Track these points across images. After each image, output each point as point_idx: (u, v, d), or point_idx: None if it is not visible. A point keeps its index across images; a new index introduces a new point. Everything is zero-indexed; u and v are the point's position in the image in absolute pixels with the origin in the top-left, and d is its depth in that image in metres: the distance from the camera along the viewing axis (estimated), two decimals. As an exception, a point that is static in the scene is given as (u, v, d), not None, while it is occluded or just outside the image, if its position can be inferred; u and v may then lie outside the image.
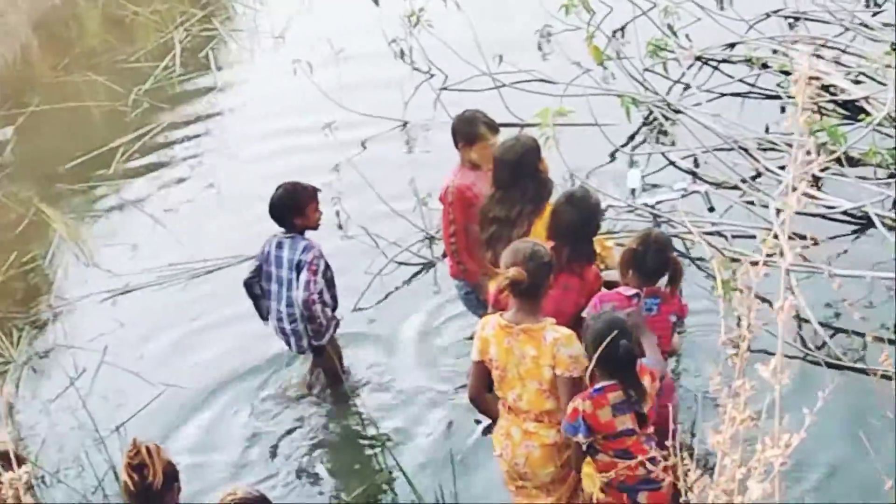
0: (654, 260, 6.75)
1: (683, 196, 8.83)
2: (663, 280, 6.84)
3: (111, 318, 9.87)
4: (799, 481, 7.15)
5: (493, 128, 8.18)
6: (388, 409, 8.57)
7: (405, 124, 12.32)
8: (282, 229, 8.23)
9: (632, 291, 6.77)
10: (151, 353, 9.36)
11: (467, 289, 8.32)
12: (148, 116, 13.21)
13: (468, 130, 8.15)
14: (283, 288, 8.21)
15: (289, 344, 8.43)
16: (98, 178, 12.12)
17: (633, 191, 8.78)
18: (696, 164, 10.66)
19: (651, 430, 6.19)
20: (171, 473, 5.42)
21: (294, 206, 8.16)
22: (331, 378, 8.70)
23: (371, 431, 8.13)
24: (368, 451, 8.16)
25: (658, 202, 8.78)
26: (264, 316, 8.46)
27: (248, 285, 8.37)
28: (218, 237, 10.84)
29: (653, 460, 5.36)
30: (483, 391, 6.59)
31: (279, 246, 8.20)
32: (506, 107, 11.53)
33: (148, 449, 5.32)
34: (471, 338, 6.82)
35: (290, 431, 8.47)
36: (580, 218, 6.97)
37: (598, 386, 6.06)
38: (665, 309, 6.85)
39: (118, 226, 11.45)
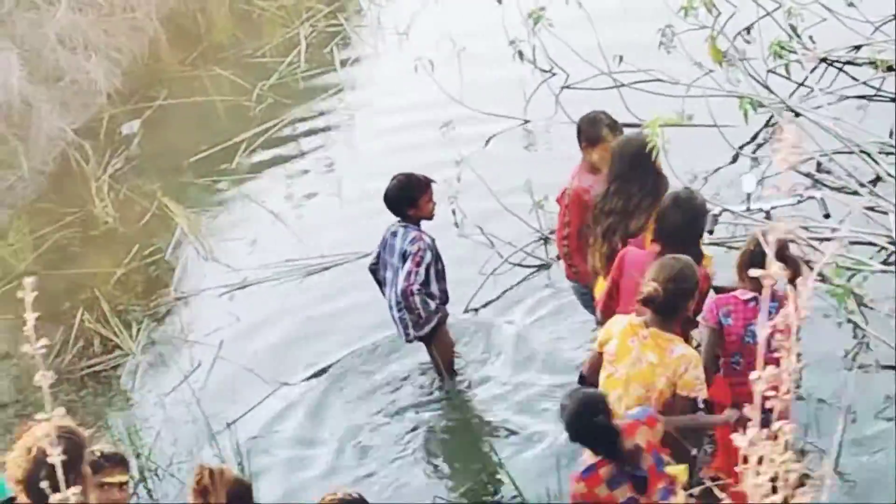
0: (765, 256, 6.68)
1: (799, 202, 8.73)
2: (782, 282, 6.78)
3: (228, 312, 10.08)
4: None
5: (616, 129, 8.24)
6: (497, 405, 8.61)
7: (525, 122, 12.29)
8: (398, 219, 8.46)
9: (749, 295, 6.75)
10: (265, 348, 9.51)
11: (583, 290, 8.34)
12: (272, 112, 13.36)
13: (591, 131, 8.20)
14: (394, 275, 8.44)
15: (399, 334, 8.66)
16: (221, 173, 12.32)
17: (748, 195, 8.68)
18: (819, 169, 10.50)
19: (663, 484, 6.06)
20: (239, 492, 5.50)
21: (407, 197, 8.44)
22: (441, 371, 8.81)
23: (478, 428, 8.17)
24: (473, 449, 8.21)
25: (773, 207, 8.67)
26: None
27: (373, 272, 8.66)
28: (336, 234, 10.97)
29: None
30: (595, 375, 6.60)
31: (394, 234, 8.47)
32: (626, 107, 11.46)
33: (211, 472, 5.37)
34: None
35: (396, 426, 8.54)
36: (685, 219, 7.00)
37: (587, 466, 6.01)
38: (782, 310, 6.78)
39: (239, 220, 11.64)
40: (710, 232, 8.47)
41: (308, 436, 8.53)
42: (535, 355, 9.12)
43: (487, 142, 12.16)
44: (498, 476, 7.86)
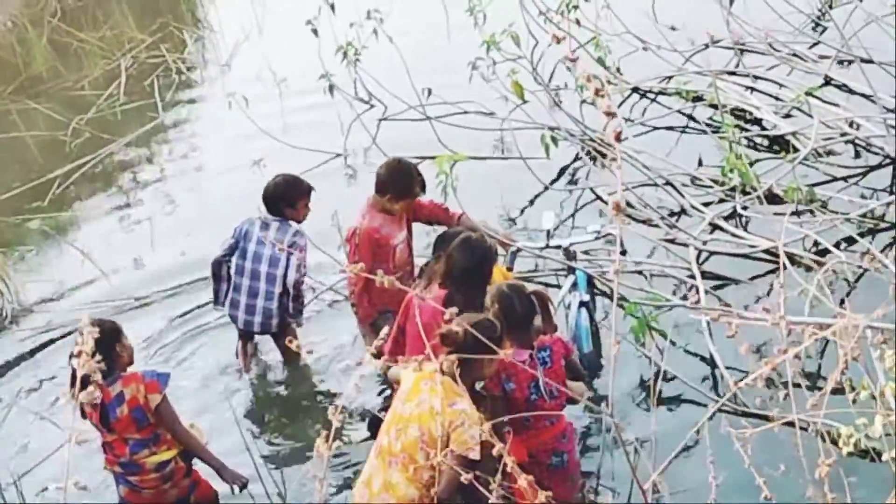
0: (522, 304, 6.73)
1: (597, 238, 8.81)
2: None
3: (31, 358, 9.77)
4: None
5: (424, 186, 8.35)
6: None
7: (339, 156, 12.23)
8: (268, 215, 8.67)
9: (524, 355, 6.71)
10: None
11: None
12: (88, 146, 13.08)
13: (403, 184, 8.25)
14: (265, 265, 8.60)
15: (250, 324, 8.79)
16: (32, 210, 12.00)
17: (547, 232, 8.75)
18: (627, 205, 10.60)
19: None
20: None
21: (288, 197, 8.66)
22: (288, 359, 9.16)
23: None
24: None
25: (571, 244, 8.74)
26: (220, 300, 8.84)
27: (219, 264, 8.76)
28: (145, 273, 10.77)
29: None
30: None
31: (265, 226, 8.63)
32: (439, 139, 11.51)
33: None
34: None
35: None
36: (473, 262, 7.07)
37: None
38: (556, 356, 6.82)
39: (48, 260, 11.33)
40: (510, 269, 8.51)
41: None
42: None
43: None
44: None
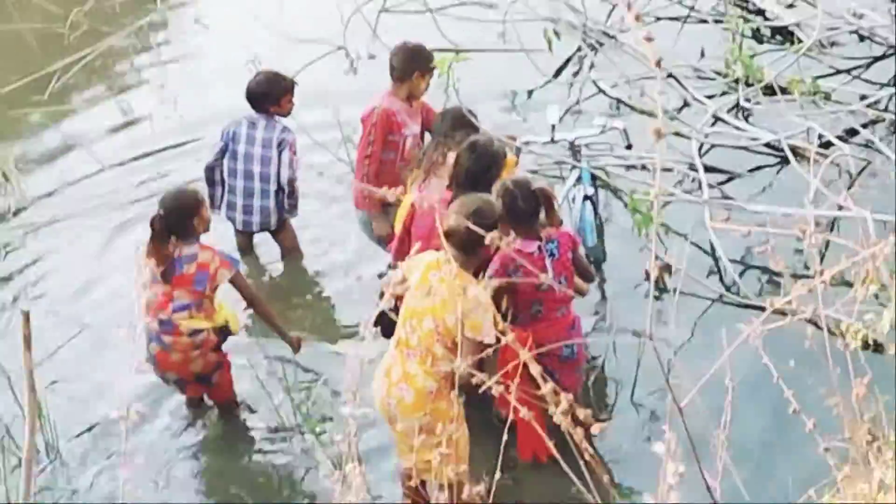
0: (526, 202, 6.76)
1: (602, 132, 8.79)
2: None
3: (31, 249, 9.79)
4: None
5: (428, 69, 8.34)
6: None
7: (340, 48, 12.14)
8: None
9: (532, 246, 6.78)
10: (71, 288, 9.28)
11: (366, 220, 8.61)
12: (86, 39, 12.90)
13: (403, 67, 8.26)
14: (257, 164, 8.66)
15: (249, 224, 8.88)
16: (33, 105, 11.92)
17: (552, 126, 8.72)
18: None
19: None
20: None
21: (271, 94, 8.68)
22: (287, 253, 9.25)
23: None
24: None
25: (577, 138, 8.73)
26: (217, 204, 8.82)
27: (211, 169, 8.81)
28: (149, 170, 10.75)
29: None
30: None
31: (252, 125, 8.67)
32: (441, 33, 11.44)
33: None
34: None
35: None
36: (480, 165, 7.05)
37: None
38: (563, 248, 6.86)
39: (50, 153, 11.27)
40: (516, 164, 8.50)
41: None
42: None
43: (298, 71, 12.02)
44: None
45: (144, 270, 7.00)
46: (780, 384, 3.23)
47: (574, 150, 8.72)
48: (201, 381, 7.48)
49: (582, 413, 3.18)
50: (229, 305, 7.56)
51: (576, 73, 11.38)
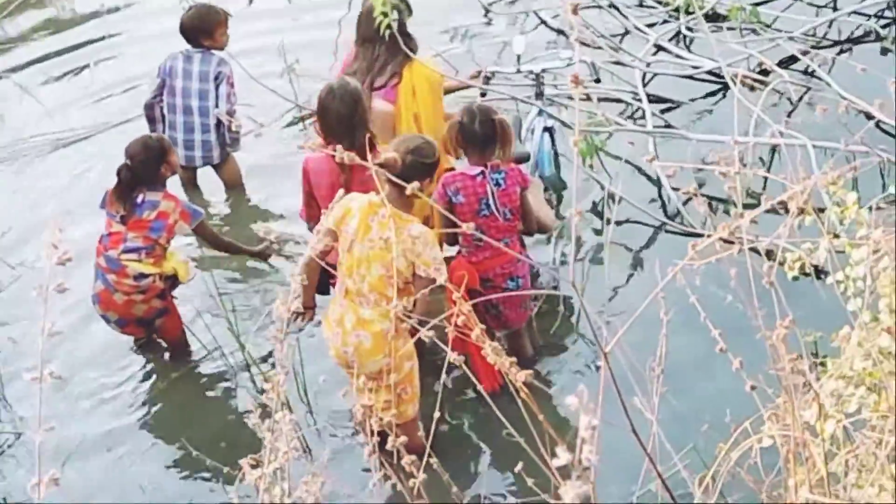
0: (483, 128, 6.75)
1: (569, 64, 8.75)
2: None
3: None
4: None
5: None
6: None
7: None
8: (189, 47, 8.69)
9: (476, 170, 6.77)
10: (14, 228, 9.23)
11: None
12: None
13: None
14: (195, 99, 8.63)
15: (191, 158, 8.84)
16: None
17: (518, 56, 8.69)
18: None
19: None
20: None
21: (205, 27, 8.65)
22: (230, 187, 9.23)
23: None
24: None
25: (543, 70, 8.69)
26: None
27: (150, 107, 8.78)
28: (86, 109, 10.66)
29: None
30: (326, 256, 6.39)
31: (188, 59, 8.65)
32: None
33: None
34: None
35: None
36: (346, 109, 6.83)
37: None
38: (511, 181, 6.85)
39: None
40: (483, 94, 8.49)
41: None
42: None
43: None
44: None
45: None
46: (724, 311, 3.23)
47: (539, 81, 8.69)
48: (142, 324, 7.47)
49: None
50: (180, 255, 7.55)
51: (512, 2, 11.34)
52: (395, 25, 7.03)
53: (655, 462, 2.90)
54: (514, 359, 3.15)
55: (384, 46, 7.45)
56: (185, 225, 7.31)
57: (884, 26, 9.99)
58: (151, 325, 7.48)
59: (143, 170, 7.19)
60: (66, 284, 2.89)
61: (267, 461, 2.78)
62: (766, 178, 8.31)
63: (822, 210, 4.22)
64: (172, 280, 7.41)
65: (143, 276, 7.21)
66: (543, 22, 10.79)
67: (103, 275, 7.24)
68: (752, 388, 2.78)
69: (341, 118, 6.81)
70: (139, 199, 7.19)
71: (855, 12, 10.24)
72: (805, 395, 3.13)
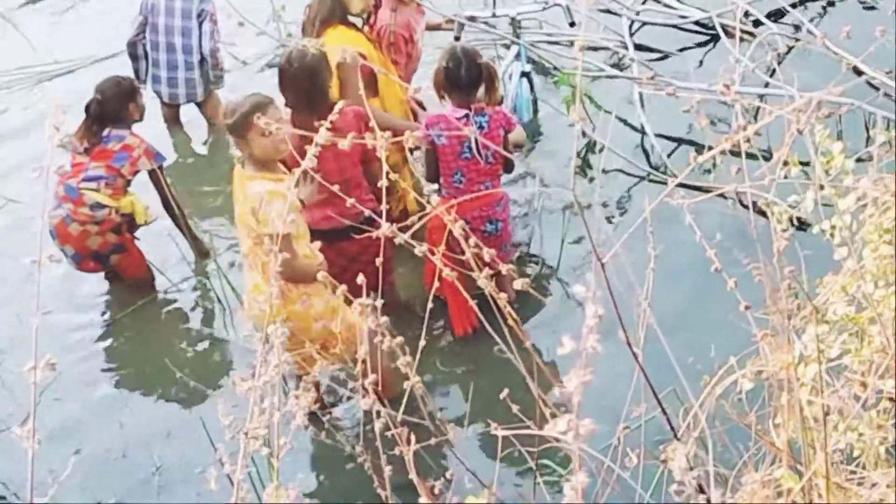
0: (469, 72, 6.72)
1: (545, 8, 8.71)
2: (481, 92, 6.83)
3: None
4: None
5: None
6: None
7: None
8: None
9: (460, 112, 6.75)
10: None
11: None
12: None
13: None
14: (178, 37, 8.61)
15: (175, 96, 8.89)
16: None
17: (494, 1, 8.65)
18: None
19: None
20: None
21: None
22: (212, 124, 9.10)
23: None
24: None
25: (519, 14, 8.65)
26: (143, 78, 8.78)
27: (133, 45, 8.77)
28: (70, 40, 10.60)
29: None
30: None
31: None
32: None
33: None
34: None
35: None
36: (307, 74, 6.50)
37: None
38: (494, 124, 6.83)
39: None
40: (457, 38, 8.46)
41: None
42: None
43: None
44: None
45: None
46: (710, 256, 3.22)
47: (515, 25, 8.65)
48: (98, 259, 7.45)
49: (511, 279, 3.16)
50: (141, 198, 7.48)
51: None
52: None
53: (655, 390, 2.90)
54: (502, 293, 3.11)
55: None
56: (147, 162, 7.31)
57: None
58: (107, 261, 7.46)
59: (111, 106, 7.24)
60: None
61: (258, 374, 2.76)
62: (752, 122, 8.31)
63: (806, 164, 4.22)
64: (130, 219, 7.40)
65: (99, 205, 7.23)
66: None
67: (60, 204, 7.25)
68: (747, 307, 2.76)
69: (300, 90, 6.50)
70: (106, 133, 7.26)
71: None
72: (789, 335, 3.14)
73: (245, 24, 8.89)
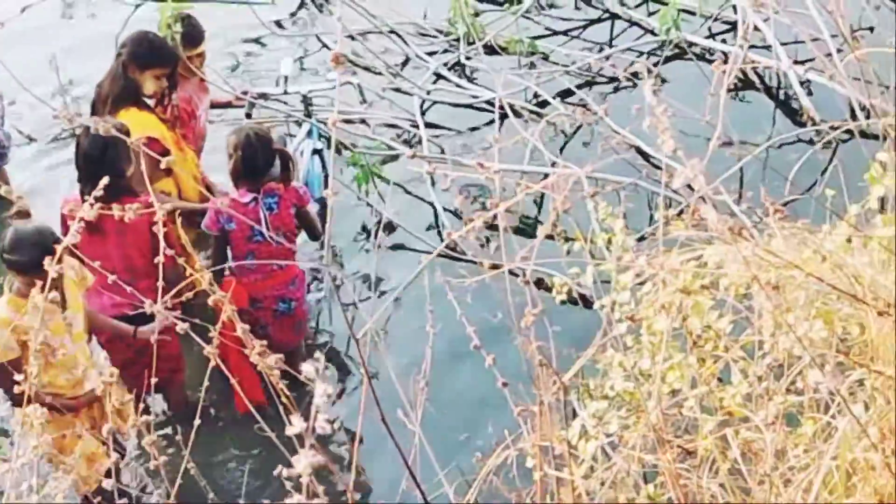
0: (265, 156, 6.72)
1: (335, 87, 8.75)
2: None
3: None
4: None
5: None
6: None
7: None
8: None
9: (248, 197, 6.72)
10: None
11: None
12: None
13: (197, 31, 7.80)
14: None
15: None
16: None
17: (286, 78, 8.65)
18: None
19: None
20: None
21: None
22: None
23: None
24: None
25: (310, 91, 8.68)
26: None
27: None
28: None
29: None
30: None
31: None
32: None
33: None
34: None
35: None
36: (97, 148, 6.31)
37: None
38: (285, 203, 6.82)
39: None
40: (249, 115, 8.45)
41: None
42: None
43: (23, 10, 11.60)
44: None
45: None
46: (469, 334, 3.24)
47: (307, 103, 8.68)
48: None
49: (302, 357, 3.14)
50: None
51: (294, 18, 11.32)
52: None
53: (416, 476, 2.91)
54: (278, 355, 3.07)
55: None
56: None
57: (655, 64, 10.21)
58: None
59: None
60: None
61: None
62: (539, 206, 8.50)
63: (593, 241, 4.31)
64: None
65: None
66: (325, 45, 10.77)
67: None
68: (504, 384, 2.81)
69: (90, 158, 6.33)
70: None
71: (629, 49, 10.48)
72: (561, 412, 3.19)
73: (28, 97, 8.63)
